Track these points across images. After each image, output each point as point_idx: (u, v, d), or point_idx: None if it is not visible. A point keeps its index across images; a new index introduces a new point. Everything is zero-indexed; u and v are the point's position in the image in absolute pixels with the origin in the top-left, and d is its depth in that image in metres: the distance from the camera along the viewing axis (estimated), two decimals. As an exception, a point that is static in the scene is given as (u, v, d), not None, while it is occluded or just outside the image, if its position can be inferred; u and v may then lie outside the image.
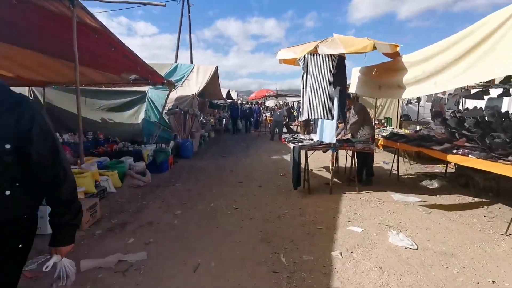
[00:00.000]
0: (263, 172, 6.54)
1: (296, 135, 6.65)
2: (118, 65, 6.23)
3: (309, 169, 5.38)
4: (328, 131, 4.63)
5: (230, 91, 19.12)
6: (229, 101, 18.92)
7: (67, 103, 8.13)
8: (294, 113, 16.66)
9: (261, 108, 18.22)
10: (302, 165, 4.99)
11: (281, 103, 25.28)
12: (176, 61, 16.46)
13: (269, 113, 17.56)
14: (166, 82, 7.35)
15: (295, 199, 4.59)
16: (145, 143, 7.45)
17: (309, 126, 11.56)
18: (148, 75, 6.78)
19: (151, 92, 8.28)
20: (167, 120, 8.31)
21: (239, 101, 16.34)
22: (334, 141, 4.55)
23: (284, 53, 4.57)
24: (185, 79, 10.44)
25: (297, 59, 4.12)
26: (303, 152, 4.91)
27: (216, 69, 11.51)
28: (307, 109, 4.11)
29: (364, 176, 5.32)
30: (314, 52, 4.07)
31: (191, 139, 8.80)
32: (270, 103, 31.44)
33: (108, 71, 6.71)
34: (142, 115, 8.27)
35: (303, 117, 4.30)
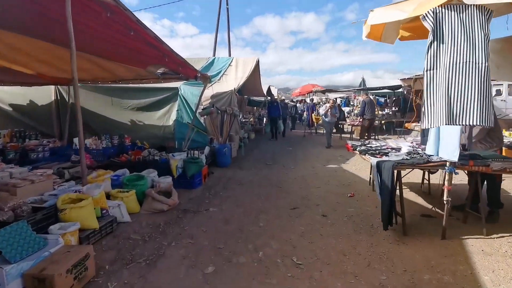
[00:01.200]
0: (322, 191, 4.93)
1: (366, 142, 4.94)
2: (141, 56, 5.05)
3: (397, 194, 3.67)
4: (448, 142, 2.87)
5: (271, 87, 17.63)
6: (269, 98, 17.39)
7: (91, 103, 7.26)
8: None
9: (316, 106, 16.36)
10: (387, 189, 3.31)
11: (324, 99, 23.15)
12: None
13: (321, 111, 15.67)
14: (200, 76, 6.07)
15: (389, 248, 2.95)
16: (177, 150, 6.26)
17: (372, 128, 9.58)
18: (179, 68, 5.52)
19: (184, 88, 7.09)
20: (202, 122, 7.08)
21: (281, 97, 14.17)
22: (456, 158, 2.79)
23: (380, 14, 2.83)
24: (223, 73, 9.18)
25: (421, 16, 2.40)
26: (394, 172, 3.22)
27: (257, 62, 10.10)
28: (445, 107, 2.36)
29: (486, 208, 3.49)
30: (451, 3, 2.31)
31: (230, 143, 7.48)
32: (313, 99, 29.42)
33: (131, 63, 5.59)
34: (174, 116, 7.12)
35: (433, 121, 2.53)
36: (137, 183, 4.12)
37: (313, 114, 14.61)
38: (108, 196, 3.76)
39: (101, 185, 3.34)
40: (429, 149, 3.02)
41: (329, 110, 9.25)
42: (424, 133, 3.47)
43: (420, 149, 3.81)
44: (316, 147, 9.75)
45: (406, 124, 9.95)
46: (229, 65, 9.75)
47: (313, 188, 5.11)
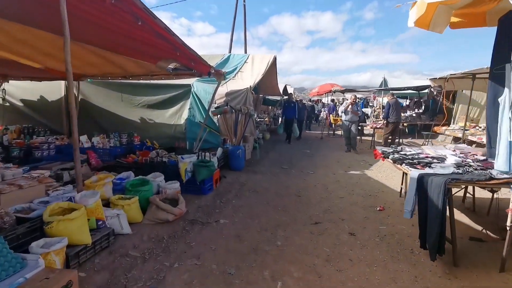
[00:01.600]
0: (347, 202, 4.38)
1: (399, 148, 4.35)
2: (151, 49, 4.65)
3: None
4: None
5: (287, 86, 17.06)
6: (286, 97, 16.69)
7: (101, 99, 6.96)
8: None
9: (337, 106, 15.63)
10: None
11: (341, 99, 22.30)
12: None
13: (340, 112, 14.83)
14: (214, 72, 5.64)
15: (438, 284, 2.38)
16: (188, 151, 5.85)
17: (397, 132, 8.84)
18: (191, 63, 5.09)
19: (197, 85, 6.68)
20: (215, 121, 6.64)
21: (298, 98, 13.31)
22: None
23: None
24: (238, 70, 8.72)
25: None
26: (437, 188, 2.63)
27: (274, 59, 9.59)
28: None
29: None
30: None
31: (244, 145, 7.01)
32: (333, 100, 28.55)
33: (141, 57, 5.21)
34: (185, 114, 6.72)
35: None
36: (141, 189, 3.71)
37: (331, 115, 13.95)
38: (108, 203, 3.37)
39: (98, 192, 2.93)
40: (500, 164, 2.42)
41: (350, 107, 8.30)
42: (491, 143, 2.85)
43: (471, 160, 3.20)
44: (335, 150, 9.13)
45: (435, 128, 9.19)
46: (245, 62, 9.29)
47: (336, 198, 4.56)
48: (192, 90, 6.74)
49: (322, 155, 8.19)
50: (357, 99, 9.82)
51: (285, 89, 16.30)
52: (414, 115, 12.69)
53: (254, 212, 3.96)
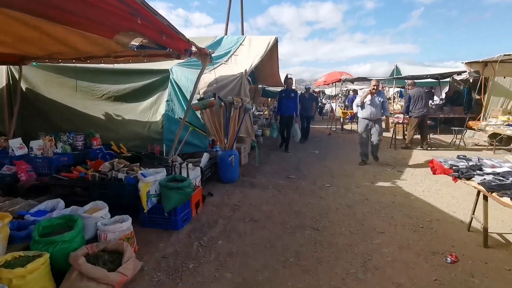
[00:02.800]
0: (393, 243, 2.86)
1: (473, 160, 2.83)
2: (100, 13, 3.07)
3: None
4: None
5: (289, 75, 15.41)
6: (274, 88, 14.65)
7: (53, 89, 5.39)
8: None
9: (357, 96, 13.81)
10: None
11: (350, 91, 20.64)
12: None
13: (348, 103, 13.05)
14: (195, 52, 4.11)
15: None
16: (162, 161, 4.33)
17: (425, 127, 7.27)
18: (161, 37, 3.51)
19: (177, 71, 5.11)
20: (200, 117, 5.09)
21: (306, 86, 10.87)
22: None
23: None
24: (232, 54, 7.11)
25: None
26: None
27: (276, 41, 7.99)
28: None
29: None
30: None
31: (239, 147, 5.48)
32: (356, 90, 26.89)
33: (87, 27, 3.61)
34: (162, 109, 5.18)
35: None
36: (56, 239, 2.18)
37: (339, 108, 12.37)
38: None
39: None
40: None
41: (369, 97, 5.62)
42: None
43: None
44: (349, 151, 7.60)
45: (470, 123, 7.66)
46: (241, 44, 7.68)
47: (373, 234, 3.05)
48: (170, 77, 5.18)
49: (335, 158, 6.65)
50: (380, 85, 7.63)
51: (286, 79, 14.68)
52: (434, 107, 11.13)
53: (250, 268, 2.45)
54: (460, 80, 11.51)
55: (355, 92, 15.18)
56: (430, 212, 3.59)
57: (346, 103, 12.84)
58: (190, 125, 4.88)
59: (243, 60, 6.40)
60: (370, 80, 13.18)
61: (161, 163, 4.04)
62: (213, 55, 7.46)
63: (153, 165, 4.14)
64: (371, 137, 5.83)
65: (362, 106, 5.80)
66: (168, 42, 3.60)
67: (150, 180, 3.04)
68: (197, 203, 3.53)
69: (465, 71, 10.13)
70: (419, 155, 6.84)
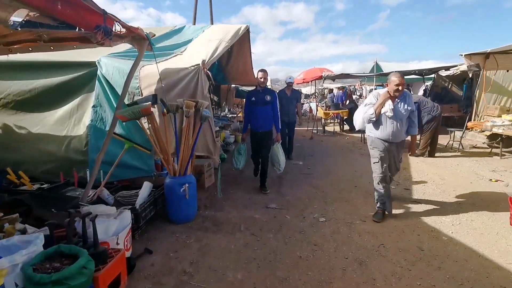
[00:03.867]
0: None
1: None
2: None
3: None
4: None
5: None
6: (250, 88, 12.46)
7: None
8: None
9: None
10: None
11: (326, 89, 19.73)
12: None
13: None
14: (123, 33, 2.71)
15: None
16: (96, 185, 2.83)
17: (437, 134, 6.03)
18: (55, 4, 2.03)
19: (108, 64, 3.60)
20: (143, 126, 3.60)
21: (288, 81, 6.77)
22: None
23: None
24: (192, 42, 5.63)
25: None
26: None
27: (248, 32, 6.64)
28: None
29: None
30: None
31: (203, 164, 4.04)
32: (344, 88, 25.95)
33: None
34: (88, 117, 3.64)
35: None
36: None
37: (320, 108, 11.23)
38: None
39: None
40: None
41: (390, 105, 3.12)
42: None
43: None
44: (338, 159, 6.41)
45: (470, 123, 6.72)
46: (203, 31, 6.22)
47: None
48: (98, 72, 3.67)
49: (324, 172, 5.39)
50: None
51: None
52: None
53: None
54: (445, 76, 10.79)
55: (342, 89, 14.15)
56: (482, 268, 2.38)
57: (334, 101, 11.69)
58: (124, 140, 3.40)
59: (204, 50, 4.96)
60: (353, 76, 12.09)
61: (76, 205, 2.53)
62: (165, 44, 5.92)
63: (61, 209, 2.65)
64: (392, 167, 3.46)
65: (375, 118, 3.19)
66: (68, 13, 2.12)
67: (4, 266, 1.56)
68: (116, 280, 2.08)
69: (454, 66, 9.40)
70: (419, 163, 5.75)
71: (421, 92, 12.08)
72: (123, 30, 2.76)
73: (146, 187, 3.16)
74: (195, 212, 3.38)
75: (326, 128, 11.05)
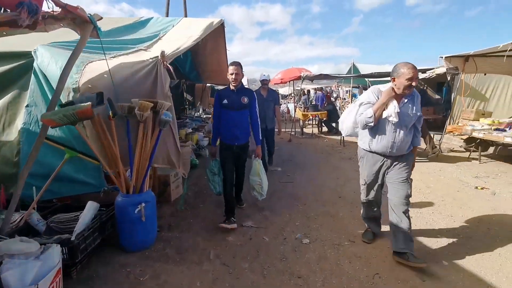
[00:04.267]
0: None
1: None
2: None
3: None
4: None
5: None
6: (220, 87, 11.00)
7: None
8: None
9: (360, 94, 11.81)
10: None
11: (303, 90, 19.54)
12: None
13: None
14: (58, 13, 2.07)
15: None
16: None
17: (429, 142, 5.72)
18: None
19: (46, 54, 2.90)
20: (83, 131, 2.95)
21: (262, 78, 5.38)
22: None
23: None
24: (159, 38, 4.98)
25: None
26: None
27: (222, 26, 6.12)
28: None
29: None
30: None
31: (168, 174, 3.44)
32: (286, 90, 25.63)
33: None
34: (20, 120, 2.94)
35: None
36: None
37: (298, 109, 10.90)
38: None
39: None
40: None
41: (394, 106, 2.34)
42: None
43: None
44: (321, 164, 6.04)
45: (449, 127, 6.62)
46: (173, 27, 5.59)
47: None
48: (35, 64, 2.97)
49: (305, 179, 4.96)
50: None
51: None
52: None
53: None
54: (421, 79, 10.87)
55: (321, 90, 13.88)
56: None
57: (313, 102, 11.39)
58: (65, 148, 2.74)
59: (171, 44, 4.35)
60: (332, 77, 11.85)
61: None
62: (129, 37, 5.31)
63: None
64: (388, 191, 2.62)
65: (369, 118, 2.41)
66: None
67: None
68: None
69: (430, 69, 9.42)
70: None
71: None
72: (58, 9, 2.15)
73: (89, 209, 2.52)
74: (154, 235, 2.79)
75: (305, 130, 10.75)
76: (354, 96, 18.95)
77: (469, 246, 2.77)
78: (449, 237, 2.95)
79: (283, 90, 25.58)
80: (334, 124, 10.31)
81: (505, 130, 5.59)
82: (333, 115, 10.07)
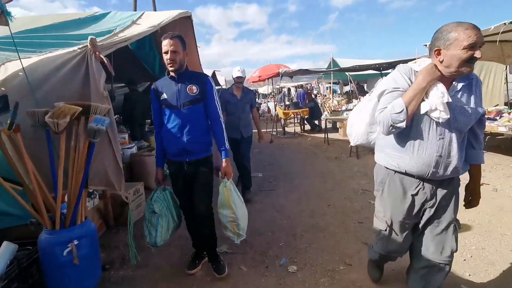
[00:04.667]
0: None
1: None
2: None
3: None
4: None
5: (217, 72, 12.97)
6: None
7: None
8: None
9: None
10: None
11: (283, 88, 19.14)
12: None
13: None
14: None
15: None
16: None
17: None
18: None
19: None
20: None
21: (236, 74, 3.75)
22: None
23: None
24: (113, 34, 4.29)
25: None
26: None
27: (190, 19, 5.48)
28: None
29: None
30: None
31: (133, 192, 2.80)
32: (265, 89, 25.07)
33: None
34: None
35: None
36: None
37: (279, 107, 10.41)
38: None
39: None
40: None
41: (442, 93, 1.34)
42: None
43: None
44: (306, 167, 5.54)
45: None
46: (134, 22, 4.90)
47: None
48: None
49: (290, 187, 4.43)
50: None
51: (214, 76, 12.17)
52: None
53: None
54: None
55: (301, 87, 13.49)
56: None
57: (296, 98, 10.92)
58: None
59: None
60: (312, 72, 11.44)
61: None
62: (76, 32, 4.57)
63: None
64: (424, 236, 1.63)
65: (392, 123, 1.44)
66: None
67: None
68: None
69: (412, 59, 9.19)
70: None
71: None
72: None
73: (3, 253, 1.86)
74: (95, 281, 2.14)
75: (286, 129, 10.28)
76: (334, 92, 18.73)
77: (486, 260, 2.32)
78: (462, 249, 2.49)
79: (263, 89, 25.09)
80: (316, 122, 9.90)
81: (495, 119, 5.31)
82: (315, 112, 9.65)
